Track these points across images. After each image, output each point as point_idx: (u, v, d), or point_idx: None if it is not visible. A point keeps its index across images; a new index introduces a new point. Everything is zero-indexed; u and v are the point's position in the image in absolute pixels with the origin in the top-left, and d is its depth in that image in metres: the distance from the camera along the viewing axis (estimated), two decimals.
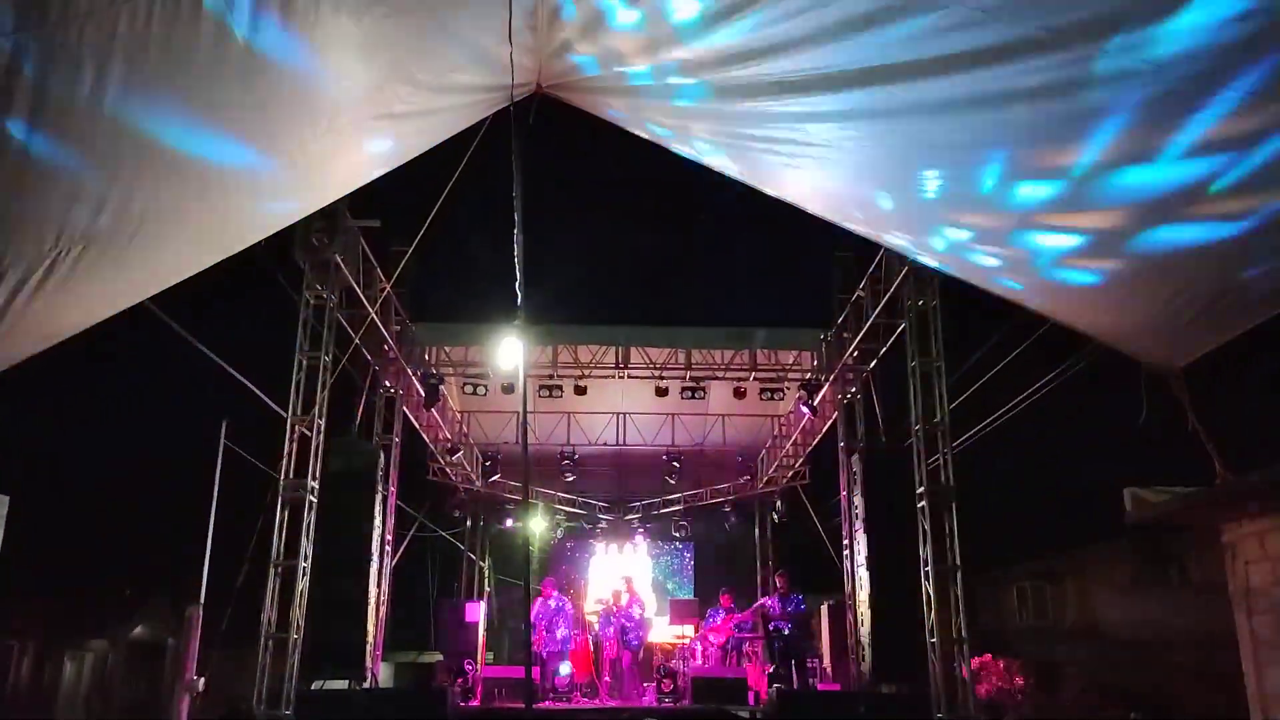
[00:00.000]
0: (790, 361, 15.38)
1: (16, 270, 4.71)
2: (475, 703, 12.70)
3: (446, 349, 15.15)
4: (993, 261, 6.44)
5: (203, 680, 9.35)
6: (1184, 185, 4.63)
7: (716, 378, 15.28)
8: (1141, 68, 3.91)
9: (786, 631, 12.61)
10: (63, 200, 4.50)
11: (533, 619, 12.93)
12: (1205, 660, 13.60)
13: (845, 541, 13.56)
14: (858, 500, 12.73)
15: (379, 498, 12.33)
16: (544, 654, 13.13)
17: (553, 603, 13.58)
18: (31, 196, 4.41)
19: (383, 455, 12.78)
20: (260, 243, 6.45)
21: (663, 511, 20.71)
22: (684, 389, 15.17)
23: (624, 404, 17.36)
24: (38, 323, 5.38)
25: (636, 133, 6.07)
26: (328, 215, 9.97)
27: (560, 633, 13.31)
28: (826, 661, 14.36)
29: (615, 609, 13.89)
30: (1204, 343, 6.34)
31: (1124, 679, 16.06)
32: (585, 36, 4.79)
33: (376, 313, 11.91)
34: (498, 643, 18.50)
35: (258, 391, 10.18)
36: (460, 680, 12.87)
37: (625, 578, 15.06)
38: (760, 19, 4.19)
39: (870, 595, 11.97)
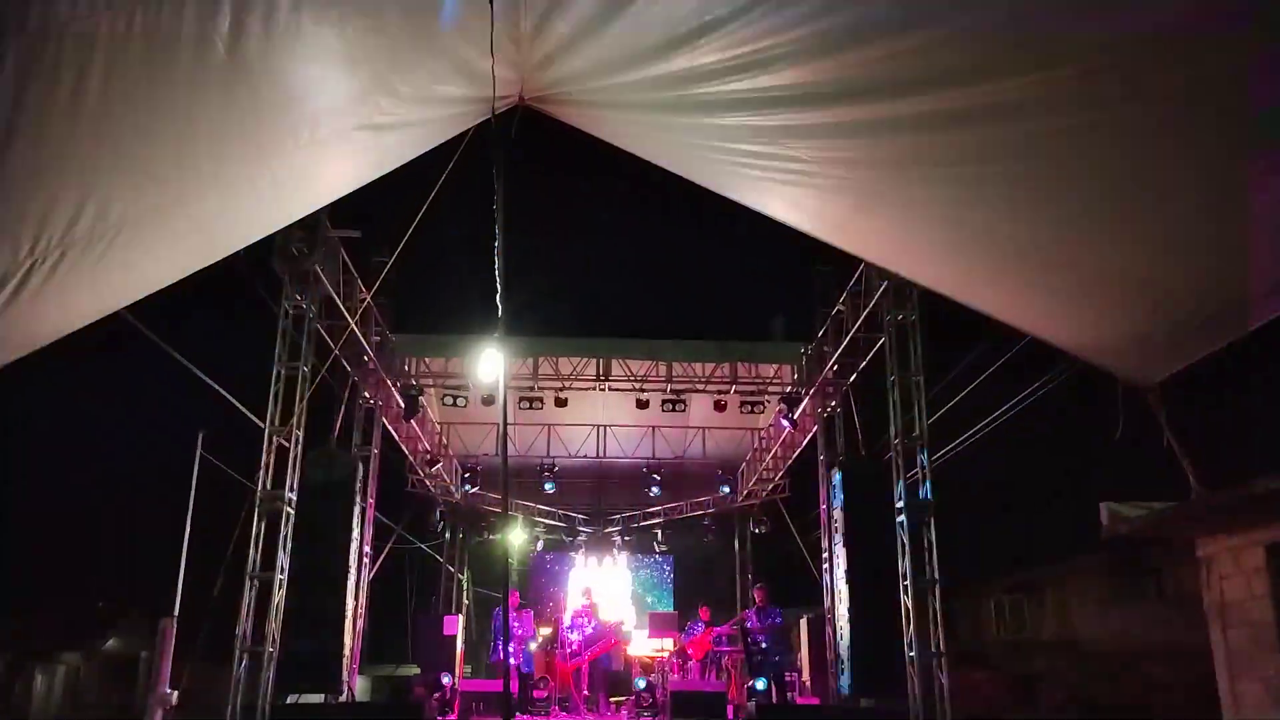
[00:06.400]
0: (771, 375, 15.43)
1: None
2: (453, 716, 12.61)
3: (426, 360, 15.10)
4: (979, 276, 6.48)
5: (176, 694, 9.24)
6: None
7: (697, 390, 15.31)
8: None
9: (765, 645, 12.59)
10: (40, 207, 4.46)
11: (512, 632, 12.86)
12: (1181, 673, 13.69)
13: (825, 555, 13.58)
14: (837, 514, 12.76)
15: (357, 509, 12.25)
16: (522, 668, 13.05)
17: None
18: (8, 203, 4.37)
19: (361, 467, 12.69)
20: (239, 252, 6.41)
21: (643, 524, 20.68)
22: (664, 401, 15.18)
23: (604, 416, 17.35)
24: (12, 331, 5.32)
25: (619, 145, 6.08)
26: (308, 225, 9.94)
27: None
28: (806, 675, 14.36)
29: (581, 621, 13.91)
30: (1179, 359, 6.41)
31: (1101, 692, 16.15)
32: (569, 50, 4.80)
33: (356, 323, 11.86)
34: (476, 656, 18.39)
35: (235, 402, 10.11)
36: (438, 694, 12.78)
37: (584, 589, 15.06)
38: (744, 35, 4.21)
39: (849, 609, 11.99)
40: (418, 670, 14.45)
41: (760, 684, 12.21)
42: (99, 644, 20.68)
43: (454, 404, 15.34)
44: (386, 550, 16.08)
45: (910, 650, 9.88)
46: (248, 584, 9.56)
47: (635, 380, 14.96)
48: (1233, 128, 4.19)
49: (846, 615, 12.08)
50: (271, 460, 9.97)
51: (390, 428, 14.93)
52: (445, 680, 13.12)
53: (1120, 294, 5.83)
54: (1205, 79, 3.90)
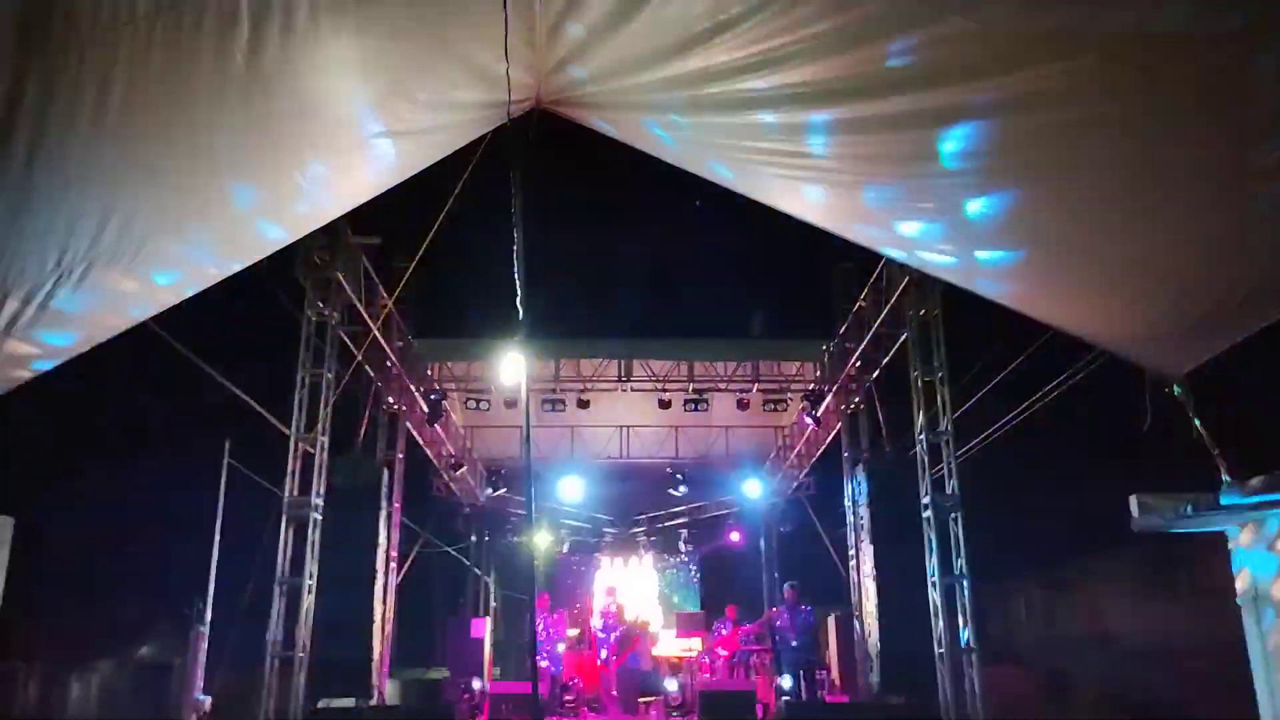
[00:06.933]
0: (793, 372, 15.38)
1: (19, 292, 4.73)
2: (483, 718, 12.66)
3: (449, 365, 15.17)
4: (994, 273, 6.43)
5: (209, 700, 9.33)
6: None
7: (719, 389, 15.28)
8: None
9: (795, 643, 12.56)
10: (65, 222, 4.52)
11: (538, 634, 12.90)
12: (1215, 667, 13.52)
13: (851, 552, 13.53)
14: (863, 511, 12.70)
15: (383, 514, 12.33)
16: (552, 669, 13.10)
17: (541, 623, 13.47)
18: (33, 219, 4.43)
19: (386, 472, 12.77)
20: (262, 261, 6.46)
21: (667, 525, 20.67)
22: (687, 401, 15.17)
23: (627, 417, 17.35)
24: (40, 344, 5.39)
25: (636, 146, 6.08)
26: (329, 233, 10.01)
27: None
28: (834, 673, 14.30)
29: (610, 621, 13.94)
30: (1208, 348, 6.33)
31: (1134, 687, 15.97)
32: (585, 52, 4.80)
33: (378, 329, 11.93)
34: (504, 658, 18.45)
35: (260, 410, 10.19)
36: (467, 697, 12.82)
37: (609, 589, 15.04)
38: (759, 32, 4.20)
39: (877, 606, 11.93)
40: (447, 673, 14.50)
41: (788, 682, 12.18)
42: (132, 651, 20.86)
43: (477, 408, 15.40)
44: (413, 554, 16.16)
45: (939, 647, 9.82)
46: (277, 590, 9.63)
47: (657, 380, 14.96)
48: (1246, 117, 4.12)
49: (874, 612, 12.03)
50: (298, 467, 10.04)
51: (414, 432, 15.00)
52: (475, 684, 13.17)
53: (1144, 283, 5.77)
54: (1219, 69, 3.85)
